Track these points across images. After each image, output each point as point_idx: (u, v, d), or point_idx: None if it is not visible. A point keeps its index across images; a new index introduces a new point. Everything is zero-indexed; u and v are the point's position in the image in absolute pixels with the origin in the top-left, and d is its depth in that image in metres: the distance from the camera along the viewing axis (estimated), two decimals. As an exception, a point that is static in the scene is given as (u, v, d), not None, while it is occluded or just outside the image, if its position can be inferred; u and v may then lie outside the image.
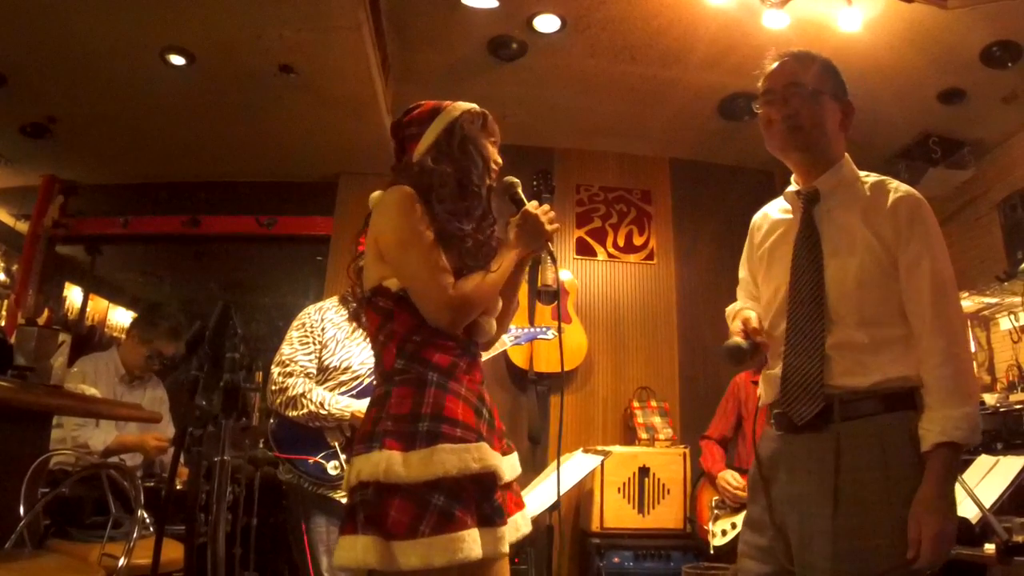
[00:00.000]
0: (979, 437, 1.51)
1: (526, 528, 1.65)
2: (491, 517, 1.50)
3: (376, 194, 1.73)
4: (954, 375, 1.50)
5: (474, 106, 1.77)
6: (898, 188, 1.66)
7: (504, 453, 1.64)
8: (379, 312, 1.62)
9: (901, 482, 1.48)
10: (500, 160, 1.79)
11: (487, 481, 1.51)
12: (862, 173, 1.74)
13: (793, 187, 1.78)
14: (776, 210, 1.85)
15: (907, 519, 1.45)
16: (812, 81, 1.69)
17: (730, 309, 1.88)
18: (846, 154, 1.75)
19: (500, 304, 1.75)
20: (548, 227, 1.71)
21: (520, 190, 1.80)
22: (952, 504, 1.49)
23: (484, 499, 1.51)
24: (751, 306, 1.81)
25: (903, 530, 1.45)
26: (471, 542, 1.42)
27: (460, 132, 1.70)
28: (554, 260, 1.78)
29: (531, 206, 1.72)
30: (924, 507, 1.44)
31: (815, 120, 1.68)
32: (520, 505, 1.68)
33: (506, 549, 1.51)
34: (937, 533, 1.41)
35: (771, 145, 1.75)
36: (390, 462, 1.44)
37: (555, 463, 2.89)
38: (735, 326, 1.68)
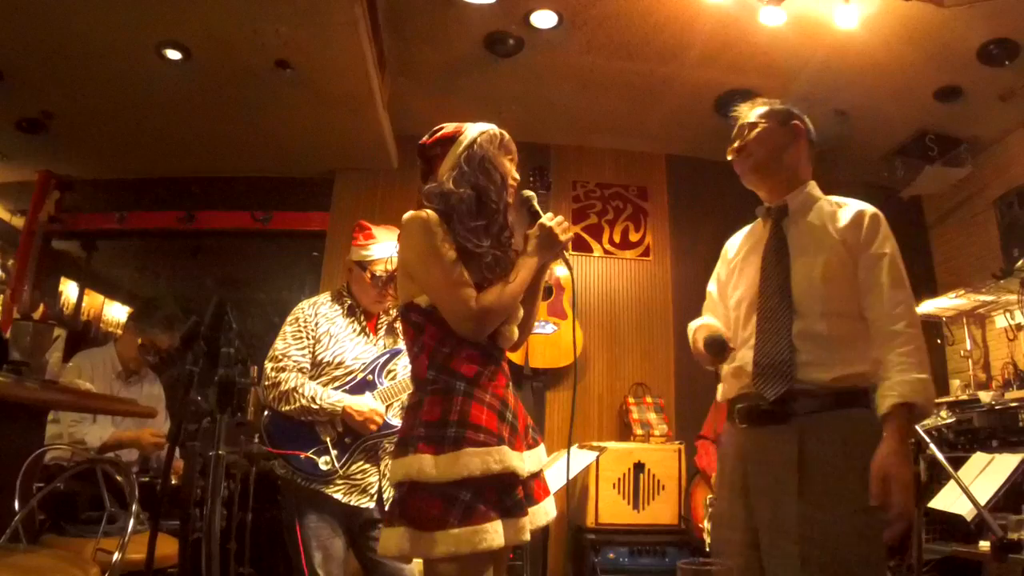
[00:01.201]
0: (932, 409, 1.69)
1: (553, 512, 1.82)
2: (512, 510, 1.65)
3: (406, 215, 1.84)
4: (913, 351, 1.66)
5: (492, 127, 1.89)
6: (859, 203, 1.87)
7: (529, 447, 1.80)
8: (412, 326, 1.79)
9: (857, 459, 1.61)
10: (517, 176, 1.92)
11: (508, 479, 1.65)
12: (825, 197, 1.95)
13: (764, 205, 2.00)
14: (748, 230, 2.08)
15: (865, 487, 1.57)
16: (756, 117, 1.98)
17: (692, 324, 2.08)
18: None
19: (521, 312, 1.87)
20: (562, 236, 1.83)
21: (536, 203, 1.92)
22: (911, 460, 1.63)
23: (506, 494, 1.65)
24: (713, 321, 2.03)
25: (860, 499, 1.57)
26: (494, 533, 1.58)
27: (479, 152, 1.83)
28: (569, 267, 1.95)
29: (546, 218, 1.84)
30: (889, 460, 1.58)
31: (757, 143, 1.96)
32: (547, 492, 1.84)
33: (527, 536, 1.65)
34: (907, 481, 1.55)
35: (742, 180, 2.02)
36: (422, 464, 1.61)
37: (552, 459, 2.90)
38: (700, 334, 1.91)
